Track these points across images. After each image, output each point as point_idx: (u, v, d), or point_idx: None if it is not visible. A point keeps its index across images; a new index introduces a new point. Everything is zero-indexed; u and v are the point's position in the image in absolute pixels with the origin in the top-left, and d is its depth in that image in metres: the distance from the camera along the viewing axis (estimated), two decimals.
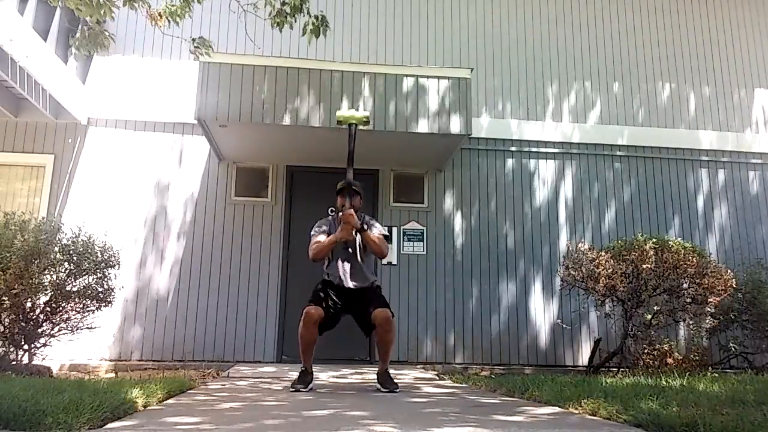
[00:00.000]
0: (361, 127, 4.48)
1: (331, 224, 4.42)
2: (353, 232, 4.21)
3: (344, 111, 4.55)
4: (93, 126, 7.01)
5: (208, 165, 7.04)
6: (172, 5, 5.04)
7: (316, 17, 5.15)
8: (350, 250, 4.28)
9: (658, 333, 6.01)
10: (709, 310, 5.88)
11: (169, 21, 4.99)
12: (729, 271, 5.90)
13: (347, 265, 4.30)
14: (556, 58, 7.86)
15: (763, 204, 7.75)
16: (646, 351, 5.75)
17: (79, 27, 6.33)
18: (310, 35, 5.18)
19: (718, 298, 5.72)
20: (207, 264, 6.78)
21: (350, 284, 4.27)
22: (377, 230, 4.38)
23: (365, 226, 4.29)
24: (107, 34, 5.02)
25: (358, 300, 4.26)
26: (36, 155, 6.84)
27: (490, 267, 7.14)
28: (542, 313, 7.08)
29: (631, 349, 5.92)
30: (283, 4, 5.12)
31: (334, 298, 4.24)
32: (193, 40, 5.24)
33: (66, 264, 5.06)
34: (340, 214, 4.27)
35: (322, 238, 4.29)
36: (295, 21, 5.23)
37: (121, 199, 6.80)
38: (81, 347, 5.85)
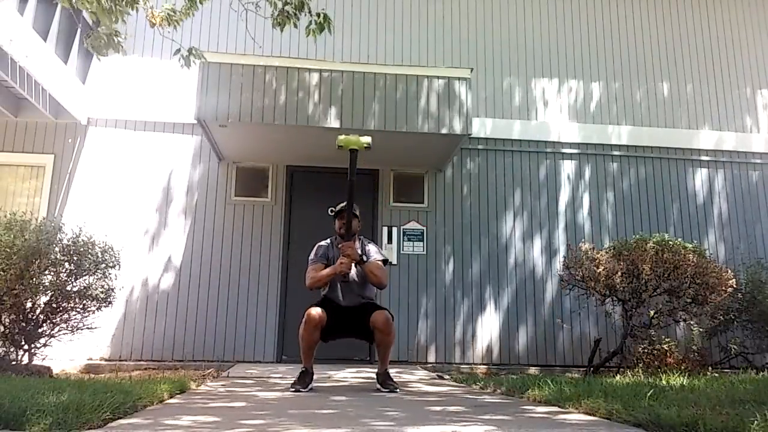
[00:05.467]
0: (362, 151, 4.32)
1: (329, 248, 4.38)
2: (352, 265, 4.22)
3: (345, 137, 4.32)
4: (93, 126, 7.01)
5: (208, 165, 7.05)
6: (172, 8, 5.03)
7: (318, 14, 5.14)
8: (349, 280, 4.25)
9: (658, 333, 6.01)
10: (709, 310, 5.89)
11: (168, 23, 4.98)
12: (729, 271, 5.91)
13: (346, 292, 4.29)
14: (556, 58, 7.86)
15: (763, 204, 7.75)
16: (646, 351, 5.75)
17: (79, 27, 6.34)
18: (314, 34, 5.16)
19: (718, 298, 5.72)
20: (207, 264, 6.78)
21: (349, 303, 4.27)
22: (376, 255, 4.35)
23: (365, 257, 4.28)
24: (121, 36, 5.01)
25: (357, 315, 4.23)
26: (36, 155, 6.84)
27: (490, 267, 7.14)
28: (542, 312, 7.07)
29: (631, 349, 5.93)
30: (286, 4, 5.10)
31: (335, 312, 4.21)
32: (189, 50, 5.21)
33: (66, 264, 5.05)
34: (339, 246, 4.24)
35: (320, 265, 4.28)
36: (298, 20, 5.22)
37: (121, 199, 6.80)
38: (81, 347, 5.85)
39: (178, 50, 5.09)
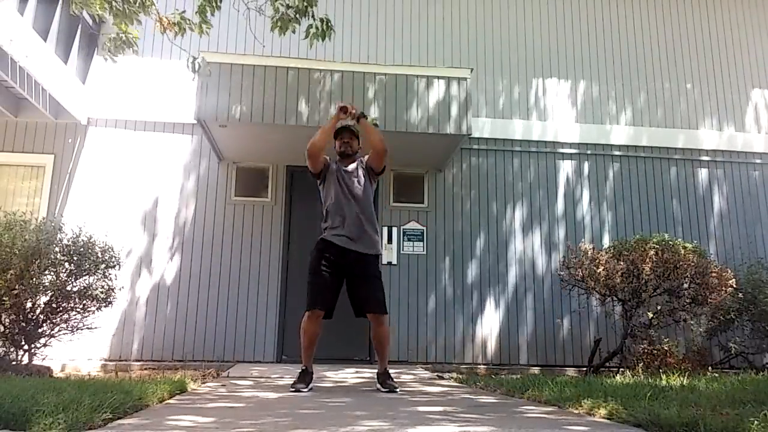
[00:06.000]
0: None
1: (332, 161, 4.29)
2: (353, 117, 4.17)
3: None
4: (93, 126, 7.01)
5: (208, 165, 7.05)
6: (182, 16, 5.04)
7: (321, 20, 5.13)
8: (353, 179, 4.14)
9: (658, 333, 6.01)
10: (709, 310, 5.89)
11: (178, 29, 4.98)
12: (729, 271, 5.91)
13: (350, 216, 4.09)
14: (556, 57, 7.87)
15: (763, 204, 7.76)
16: (646, 351, 5.75)
17: (79, 29, 6.34)
18: (312, 39, 5.13)
19: (718, 298, 5.72)
20: (207, 264, 6.78)
21: (351, 244, 4.06)
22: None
23: (361, 162, 4.24)
24: (132, 38, 5.03)
25: (357, 271, 4.08)
26: (36, 155, 6.84)
27: (490, 267, 7.14)
28: (542, 312, 7.08)
29: (631, 349, 5.93)
30: (288, 8, 5.08)
31: (333, 267, 4.05)
32: (194, 59, 5.20)
33: (66, 264, 5.06)
34: (339, 152, 4.27)
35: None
36: (299, 25, 5.20)
37: (121, 199, 6.80)
38: (81, 347, 5.85)
39: (192, 59, 5.11)
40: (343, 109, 4.16)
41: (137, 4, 4.56)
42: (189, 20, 5.05)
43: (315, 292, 4.08)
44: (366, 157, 4.32)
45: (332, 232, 4.12)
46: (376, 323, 4.10)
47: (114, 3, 4.38)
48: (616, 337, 6.19)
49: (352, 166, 4.25)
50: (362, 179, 4.22)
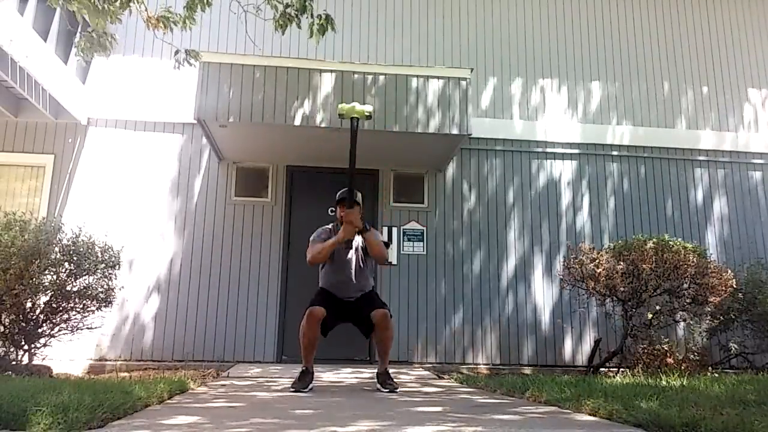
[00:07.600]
0: (363, 120, 4.31)
1: (332, 231, 4.38)
2: (355, 233, 4.20)
3: (347, 104, 4.34)
4: (93, 126, 7.01)
5: (208, 165, 7.05)
6: (168, 10, 5.04)
7: (320, 16, 5.14)
8: (350, 251, 4.26)
9: (658, 333, 6.01)
10: (709, 310, 5.89)
11: (164, 26, 4.99)
12: (729, 271, 5.91)
13: (346, 272, 4.29)
14: (556, 57, 7.86)
15: (763, 204, 7.75)
16: (646, 351, 5.75)
17: (78, 30, 6.35)
18: (317, 35, 5.15)
19: (718, 298, 5.72)
20: (207, 264, 6.78)
21: (348, 295, 4.28)
22: (377, 236, 4.40)
23: (367, 225, 4.29)
24: (110, 37, 5.01)
25: (356, 308, 4.26)
26: (36, 155, 6.84)
27: (490, 267, 7.14)
28: (542, 312, 7.07)
29: (631, 349, 5.93)
30: (287, 6, 5.10)
31: (334, 304, 4.23)
32: (186, 51, 5.23)
33: (66, 264, 5.06)
34: (342, 214, 4.23)
35: (322, 243, 4.29)
36: (300, 22, 5.22)
37: (121, 199, 6.80)
38: (81, 347, 5.85)
39: (177, 52, 5.10)
40: (347, 234, 4.15)
41: (118, 2, 4.53)
42: (176, 14, 5.03)
43: (315, 301, 4.19)
44: (370, 227, 4.33)
45: (330, 288, 4.32)
46: (382, 328, 4.14)
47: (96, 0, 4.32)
48: (616, 337, 6.19)
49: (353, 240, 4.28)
50: (360, 251, 4.33)
